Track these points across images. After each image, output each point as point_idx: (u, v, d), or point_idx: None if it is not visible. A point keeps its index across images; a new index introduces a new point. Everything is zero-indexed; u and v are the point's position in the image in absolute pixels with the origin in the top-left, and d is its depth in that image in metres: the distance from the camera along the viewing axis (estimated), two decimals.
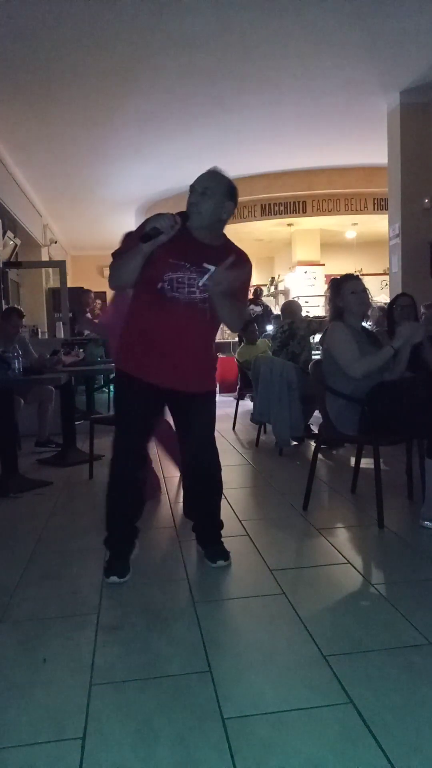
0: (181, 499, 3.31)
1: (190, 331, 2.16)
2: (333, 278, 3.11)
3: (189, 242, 2.14)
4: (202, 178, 2.15)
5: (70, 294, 9.26)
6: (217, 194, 2.12)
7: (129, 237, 2.30)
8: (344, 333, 2.90)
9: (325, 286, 10.73)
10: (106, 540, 2.33)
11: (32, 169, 7.81)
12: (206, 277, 2.11)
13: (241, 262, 2.16)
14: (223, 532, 2.44)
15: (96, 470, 3.95)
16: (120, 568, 2.23)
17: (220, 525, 2.45)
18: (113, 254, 2.20)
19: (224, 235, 2.27)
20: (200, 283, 2.12)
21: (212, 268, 2.10)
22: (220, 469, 2.41)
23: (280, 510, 3.04)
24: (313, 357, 4.90)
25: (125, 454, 2.28)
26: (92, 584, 2.19)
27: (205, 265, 2.11)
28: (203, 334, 2.23)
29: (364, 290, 2.96)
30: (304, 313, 6.05)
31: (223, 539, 2.41)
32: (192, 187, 2.16)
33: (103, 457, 4.37)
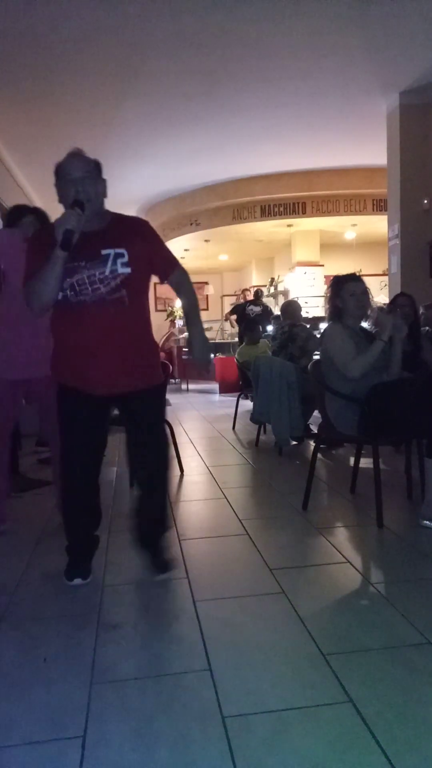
0: (180, 499, 3.32)
1: (110, 329, 2.02)
2: (334, 276, 3.08)
3: (77, 240, 1.95)
4: (74, 165, 2.02)
5: None
6: (93, 173, 2.04)
7: (33, 253, 2.06)
8: (341, 334, 2.90)
9: (325, 286, 10.75)
10: (66, 548, 2.29)
11: (32, 169, 7.81)
12: (109, 263, 1.99)
13: (136, 227, 2.11)
14: (223, 531, 2.44)
15: None
16: (82, 571, 2.22)
17: (162, 529, 2.32)
18: (25, 279, 2.03)
19: (108, 211, 2.14)
20: (107, 272, 1.99)
21: (111, 251, 1.99)
22: (166, 470, 2.30)
23: (280, 510, 3.05)
24: (313, 357, 4.90)
25: (71, 470, 2.20)
26: (92, 584, 2.19)
27: (103, 251, 2.00)
28: (126, 327, 2.06)
29: (364, 292, 2.95)
30: (303, 314, 6.04)
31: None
32: (66, 177, 2.01)
33: (103, 457, 4.38)
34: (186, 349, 2.03)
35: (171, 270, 2.16)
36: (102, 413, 2.19)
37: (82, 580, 2.20)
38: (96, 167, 2.06)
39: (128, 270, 2.01)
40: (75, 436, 2.16)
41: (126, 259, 2.01)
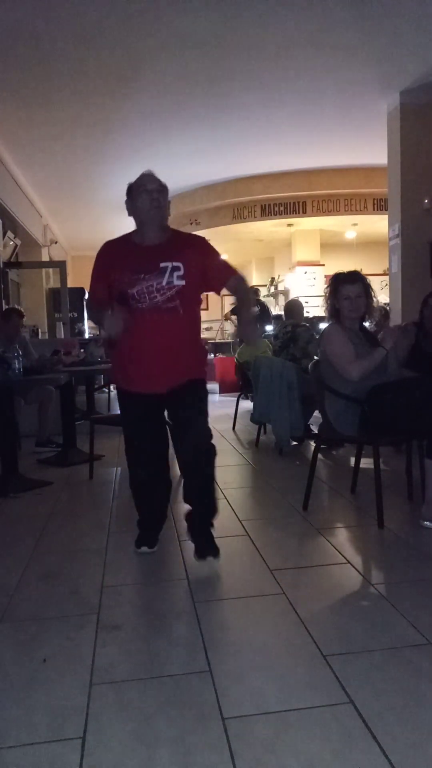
0: (180, 499, 3.31)
1: (163, 333, 2.24)
2: (333, 275, 3.05)
3: (138, 253, 2.28)
4: (151, 179, 2.30)
5: (70, 294, 9.25)
6: (164, 191, 2.30)
7: (95, 275, 2.39)
8: (340, 335, 2.88)
9: (326, 286, 10.72)
10: (138, 522, 2.53)
11: (32, 169, 7.81)
12: (167, 275, 2.22)
13: (193, 243, 2.36)
14: (223, 532, 2.44)
15: (96, 470, 3.95)
16: (151, 539, 2.46)
17: (211, 514, 2.42)
18: (90, 293, 2.43)
19: (169, 227, 2.40)
20: (164, 283, 2.21)
21: (168, 264, 2.22)
22: (212, 457, 2.42)
23: (280, 510, 3.04)
24: (314, 358, 4.89)
25: (140, 467, 2.44)
26: (92, 584, 2.19)
27: (162, 264, 2.22)
28: (178, 333, 2.27)
29: (359, 295, 2.87)
30: (304, 313, 6.03)
31: (215, 536, 2.39)
32: (141, 188, 2.28)
33: (104, 457, 4.38)
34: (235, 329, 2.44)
35: (227, 277, 2.38)
36: (156, 408, 2.38)
37: (149, 548, 2.44)
38: (166, 188, 2.33)
39: (182, 282, 2.23)
40: (136, 432, 2.40)
41: (182, 272, 2.23)
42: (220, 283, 2.39)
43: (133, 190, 2.31)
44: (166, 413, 2.44)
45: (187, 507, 2.47)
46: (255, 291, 9.56)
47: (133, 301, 2.22)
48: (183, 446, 2.39)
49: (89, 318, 2.49)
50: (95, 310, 2.39)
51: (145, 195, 2.25)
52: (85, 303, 2.54)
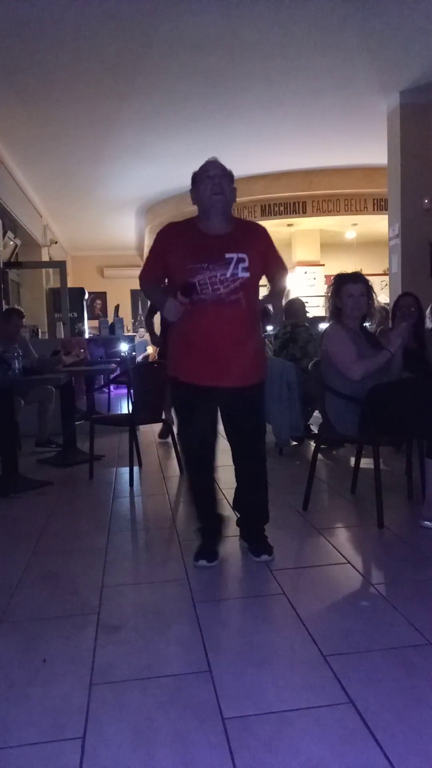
0: (181, 500, 3.31)
1: (225, 326, 2.19)
2: (336, 275, 3.06)
3: (202, 242, 2.21)
4: (214, 165, 2.23)
5: (70, 294, 9.25)
6: (228, 177, 2.24)
7: (152, 256, 2.34)
8: (342, 335, 2.88)
9: (326, 286, 10.73)
10: (198, 529, 2.44)
11: (32, 169, 7.81)
12: (231, 267, 2.17)
13: (257, 233, 2.31)
14: (223, 532, 2.44)
15: (96, 470, 3.95)
16: (210, 553, 2.33)
17: (265, 520, 2.47)
18: (144, 272, 2.35)
19: (233, 217, 2.34)
20: (228, 275, 2.16)
21: (234, 256, 2.17)
22: (265, 463, 2.43)
23: (280, 510, 3.04)
24: (314, 359, 4.88)
25: (193, 456, 2.39)
26: (92, 584, 2.19)
27: (227, 255, 2.17)
28: (239, 326, 2.22)
29: (362, 294, 2.88)
30: (306, 313, 6.01)
31: (267, 534, 2.45)
32: (204, 174, 2.22)
33: (104, 457, 4.38)
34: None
35: (282, 273, 2.37)
36: (212, 403, 2.31)
37: (207, 562, 2.31)
38: (230, 174, 2.26)
39: (247, 275, 2.18)
40: (196, 429, 2.32)
41: (247, 264, 2.18)
42: (272, 275, 2.37)
43: (196, 178, 2.26)
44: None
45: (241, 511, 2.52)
46: None
47: (194, 292, 2.16)
48: (241, 456, 2.40)
49: (144, 292, 2.41)
50: (152, 287, 2.34)
51: (208, 181, 2.19)
52: (139, 279, 2.42)
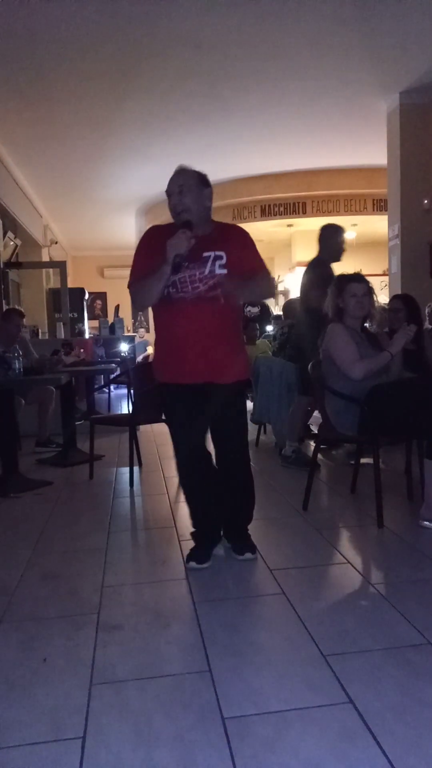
0: (181, 499, 3.31)
1: (206, 324, 2.22)
2: (338, 275, 3.07)
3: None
4: (173, 180, 2.25)
5: (70, 294, 9.24)
6: (192, 186, 2.23)
7: (143, 254, 2.31)
8: (343, 334, 2.89)
9: (330, 287, 10.72)
10: (192, 534, 2.43)
11: (32, 169, 7.81)
12: (209, 264, 2.19)
13: (234, 233, 2.33)
14: (217, 537, 2.44)
15: (96, 470, 3.95)
16: (201, 555, 2.32)
17: (248, 520, 2.48)
18: (132, 274, 2.29)
19: (213, 220, 2.37)
20: (206, 272, 2.19)
21: (211, 254, 2.20)
22: (248, 463, 2.45)
23: (280, 510, 3.04)
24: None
25: (187, 460, 2.38)
26: (92, 584, 2.19)
27: (204, 253, 2.20)
28: (220, 323, 2.25)
29: (365, 294, 2.91)
30: None
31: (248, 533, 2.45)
32: (167, 192, 2.26)
33: (104, 457, 4.38)
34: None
35: (261, 274, 2.30)
36: (197, 401, 2.31)
37: (197, 564, 2.30)
38: (195, 179, 2.26)
39: (224, 271, 2.20)
40: (183, 428, 2.33)
41: (224, 261, 2.21)
42: (250, 273, 2.29)
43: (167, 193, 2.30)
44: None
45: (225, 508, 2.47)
46: None
47: (174, 289, 2.19)
48: (222, 454, 2.40)
49: (137, 289, 2.27)
50: (140, 279, 2.26)
51: (170, 200, 2.24)
52: (129, 284, 2.33)
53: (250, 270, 2.30)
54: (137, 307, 2.41)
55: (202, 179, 2.28)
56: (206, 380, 2.26)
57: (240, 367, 2.36)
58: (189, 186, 2.23)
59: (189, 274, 2.18)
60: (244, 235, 2.37)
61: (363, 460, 3.33)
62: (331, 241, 3.99)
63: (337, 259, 3.95)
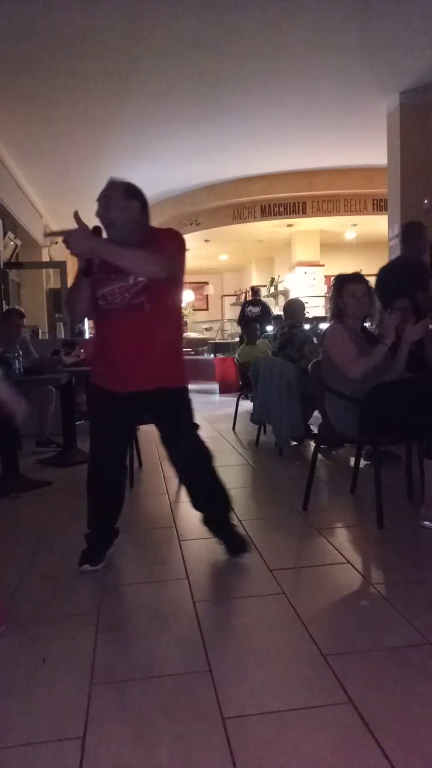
0: (180, 500, 3.31)
1: (134, 330, 2.21)
2: (337, 275, 3.07)
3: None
4: (101, 192, 2.23)
5: None
6: (117, 200, 2.19)
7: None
8: (343, 334, 2.89)
9: (325, 287, 10.74)
10: (86, 535, 2.40)
11: (32, 169, 7.81)
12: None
13: (158, 235, 2.25)
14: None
15: None
16: (94, 557, 2.33)
17: (226, 509, 2.44)
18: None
19: (149, 228, 2.28)
20: (131, 281, 2.17)
21: None
22: (210, 459, 2.39)
23: (280, 510, 3.04)
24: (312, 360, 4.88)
25: (101, 467, 2.38)
26: (92, 584, 2.19)
27: None
28: (148, 329, 2.22)
29: (364, 294, 2.91)
30: (304, 313, 6.01)
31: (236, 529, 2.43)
32: (97, 201, 2.25)
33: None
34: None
35: (151, 252, 2.12)
36: (128, 411, 2.32)
37: (91, 566, 2.30)
38: (120, 192, 2.21)
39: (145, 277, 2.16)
40: (103, 433, 2.35)
41: None
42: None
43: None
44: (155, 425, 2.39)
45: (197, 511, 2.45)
46: (256, 291, 9.55)
47: (104, 302, 2.21)
48: (173, 459, 2.39)
49: (69, 299, 2.31)
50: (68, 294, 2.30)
51: (98, 208, 2.22)
52: (65, 301, 2.39)
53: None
54: (73, 318, 2.44)
55: (129, 192, 2.22)
56: (138, 389, 2.25)
57: (173, 374, 2.32)
58: (115, 199, 2.20)
59: (118, 286, 2.18)
60: (167, 233, 2.30)
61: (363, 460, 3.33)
62: (415, 238, 4.11)
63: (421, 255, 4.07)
